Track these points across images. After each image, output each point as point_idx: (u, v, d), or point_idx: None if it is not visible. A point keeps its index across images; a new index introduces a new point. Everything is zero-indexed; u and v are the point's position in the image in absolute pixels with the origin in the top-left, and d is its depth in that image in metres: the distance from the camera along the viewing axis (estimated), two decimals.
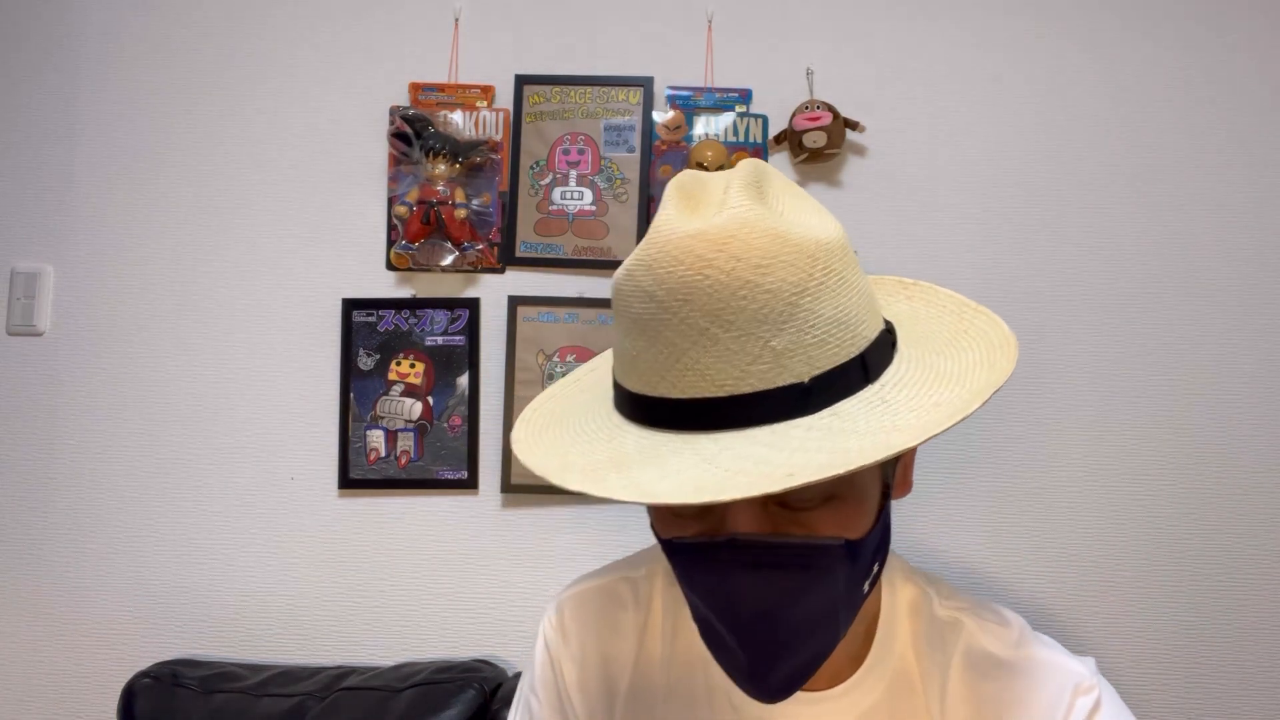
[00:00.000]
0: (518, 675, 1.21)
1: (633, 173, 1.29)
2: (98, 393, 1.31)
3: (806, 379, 0.49)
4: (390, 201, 1.29)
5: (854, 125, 1.25)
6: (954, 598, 0.67)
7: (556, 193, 1.29)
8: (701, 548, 0.52)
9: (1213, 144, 1.28)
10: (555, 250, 1.28)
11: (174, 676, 1.17)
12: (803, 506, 0.52)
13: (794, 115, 1.24)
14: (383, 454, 1.28)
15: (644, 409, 0.52)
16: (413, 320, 1.29)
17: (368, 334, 1.29)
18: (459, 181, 1.27)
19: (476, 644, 1.26)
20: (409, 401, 1.28)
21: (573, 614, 0.71)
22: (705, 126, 1.28)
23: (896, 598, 0.66)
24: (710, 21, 1.32)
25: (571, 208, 1.29)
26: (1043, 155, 1.29)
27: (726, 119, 1.28)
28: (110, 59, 1.35)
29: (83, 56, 1.35)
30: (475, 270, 1.29)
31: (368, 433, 1.28)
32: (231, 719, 1.12)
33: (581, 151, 1.30)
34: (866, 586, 0.57)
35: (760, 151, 1.27)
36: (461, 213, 1.26)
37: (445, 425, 1.28)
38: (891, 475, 0.59)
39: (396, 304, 1.29)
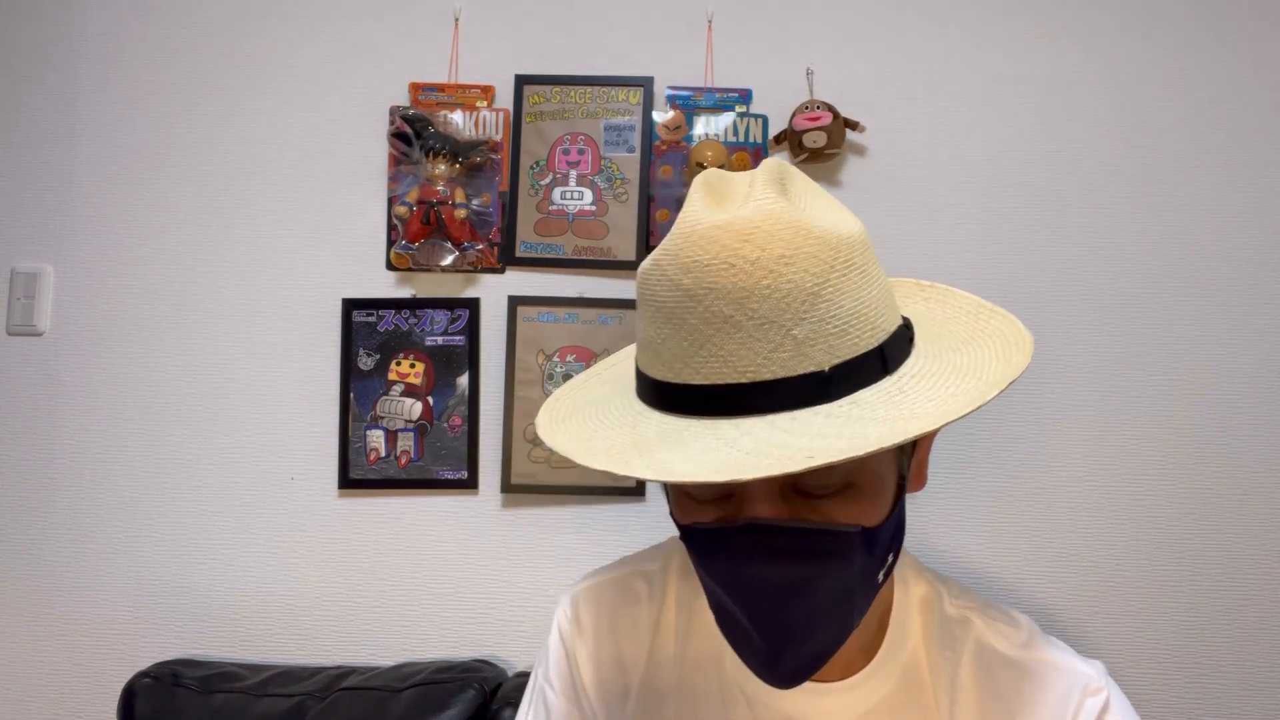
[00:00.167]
0: (518, 675, 1.21)
1: (633, 173, 1.29)
2: (98, 393, 1.31)
3: (827, 367, 0.50)
4: (390, 201, 1.29)
5: (854, 125, 1.25)
6: (963, 596, 0.68)
7: (556, 193, 1.29)
8: (720, 532, 0.53)
9: (1213, 144, 1.28)
10: (555, 250, 1.28)
11: (174, 676, 1.17)
12: (820, 494, 0.52)
13: (794, 115, 1.24)
14: (383, 454, 1.28)
15: (667, 395, 0.53)
16: (413, 320, 1.29)
17: (368, 334, 1.29)
18: (459, 181, 1.27)
19: (476, 644, 1.26)
20: (409, 401, 1.28)
21: (587, 607, 0.71)
22: (705, 126, 1.28)
23: (909, 593, 0.67)
24: (710, 21, 1.32)
25: (571, 208, 1.29)
26: (1043, 155, 1.29)
27: (726, 119, 1.28)
28: (110, 59, 1.35)
29: (83, 56, 1.35)
30: (475, 270, 1.29)
31: (368, 433, 1.28)
32: (231, 719, 1.12)
33: (581, 151, 1.30)
34: (881, 576, 0.58)
35: (760, 152, 1.27)
36: (461, 213, 1.26)
37: (445, 425, 1.28)
38: (907, 467, 0.59)
39: (396, 304, 1.29)
